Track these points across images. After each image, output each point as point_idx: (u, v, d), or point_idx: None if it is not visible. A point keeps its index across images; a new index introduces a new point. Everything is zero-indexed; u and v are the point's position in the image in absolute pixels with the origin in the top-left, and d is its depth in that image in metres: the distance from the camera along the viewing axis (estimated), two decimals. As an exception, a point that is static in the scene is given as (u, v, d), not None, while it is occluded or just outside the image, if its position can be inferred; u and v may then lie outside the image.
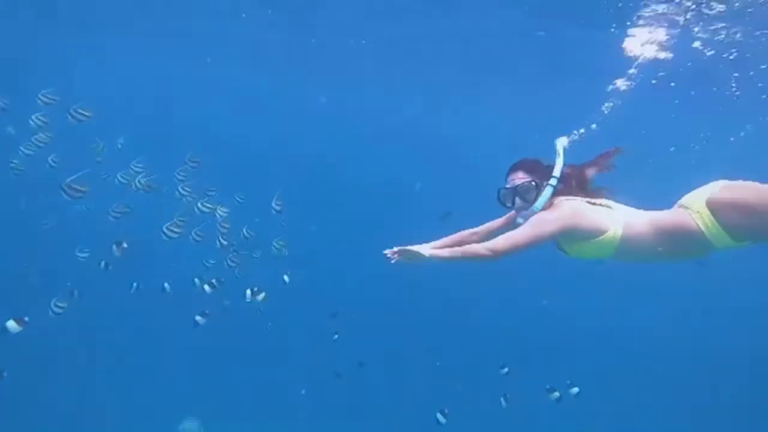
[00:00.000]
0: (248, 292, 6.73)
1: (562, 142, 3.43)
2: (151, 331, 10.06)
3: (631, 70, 8.86)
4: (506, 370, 8.26)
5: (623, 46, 9.54)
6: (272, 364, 10.43)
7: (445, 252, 3.08)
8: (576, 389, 7.89)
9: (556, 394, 7.64)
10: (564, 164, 3.33)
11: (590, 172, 3.37)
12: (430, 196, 13.92)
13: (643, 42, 9.51)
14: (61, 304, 6.40)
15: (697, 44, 9.55)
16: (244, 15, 11.97)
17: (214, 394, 9.46)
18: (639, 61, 9.50)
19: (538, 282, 13.19)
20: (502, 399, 8.01)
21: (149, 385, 9.36)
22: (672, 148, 13.46)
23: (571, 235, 3.16)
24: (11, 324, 5.98)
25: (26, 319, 6.03)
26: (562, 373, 8.39)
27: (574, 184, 3.34)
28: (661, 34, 9.33)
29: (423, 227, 4.06)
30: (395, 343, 11.40)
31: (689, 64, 9.98)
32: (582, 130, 3.74)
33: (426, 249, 3.08)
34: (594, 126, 4.29)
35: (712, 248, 3.10)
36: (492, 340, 12.08)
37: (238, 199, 8.67)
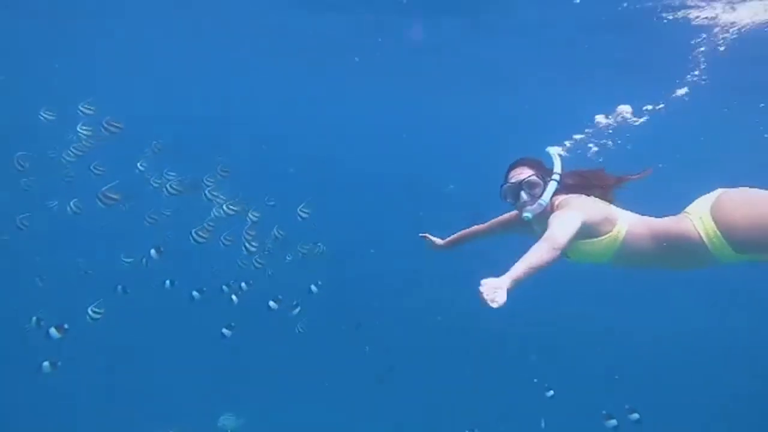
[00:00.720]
0: (272, 303, 6.82)
1: (554, 149, 3.49)
2: (190, 329, 10.46)
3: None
4: (552, 392, 7.64)
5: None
6: (304, 366, 10.58)
7: (520, 272, 2.65)
8: (636, 415, 7.01)
9: (613, 422, 6.82)
10: (562, 166, 3.38)
11: (614, 184, 3.36)
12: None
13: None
14: (98, 310, 6.65)
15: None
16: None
17: (249, 393, 9.74)
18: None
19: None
20: (542, 421, 7.62)
21: (188, 381, 9.74)
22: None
23: (582, 229, 3.06)
24: (53, 331, 6.40)
25: (66, 326, 6.43)
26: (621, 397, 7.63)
27: (597, 194, 3.32)
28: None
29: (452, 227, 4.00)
30: (427, 352, 11.21)
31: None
32: (568, 142, 3.95)
33: (505, 281, 2.56)
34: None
35: (712, 259, 3.00)
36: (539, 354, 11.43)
37: (268, 203, 8.82)
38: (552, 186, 3.25)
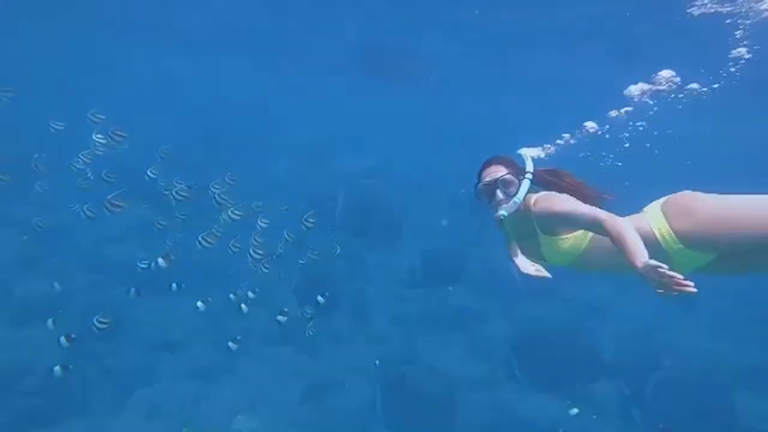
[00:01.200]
0: (280, 317, 6.81)
1: (527, 151, 3.52)
2: (205, 330, 10.61)
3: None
4: (576, 411, 7.49)
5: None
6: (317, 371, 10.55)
7: (644, 250, 2.67)
8: None
9: None
10: (534, 165, 3.40)
11: (592, 195, 3.33)
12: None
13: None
14: (104, 320, 6.74)
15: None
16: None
17: (264, 394, 9.78)
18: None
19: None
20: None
21: (201, 384, 9.85)
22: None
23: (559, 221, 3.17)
24: (62, 340, 6.56)
25: (73, 335, 6.56)
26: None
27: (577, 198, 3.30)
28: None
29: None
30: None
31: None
32: (546, 147, 3.96)
33: (645, 258, 2.58)
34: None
35: (665, 256, 2.98)
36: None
37: (282, 208, 8.82)
38: (526, 184, 3.29)
